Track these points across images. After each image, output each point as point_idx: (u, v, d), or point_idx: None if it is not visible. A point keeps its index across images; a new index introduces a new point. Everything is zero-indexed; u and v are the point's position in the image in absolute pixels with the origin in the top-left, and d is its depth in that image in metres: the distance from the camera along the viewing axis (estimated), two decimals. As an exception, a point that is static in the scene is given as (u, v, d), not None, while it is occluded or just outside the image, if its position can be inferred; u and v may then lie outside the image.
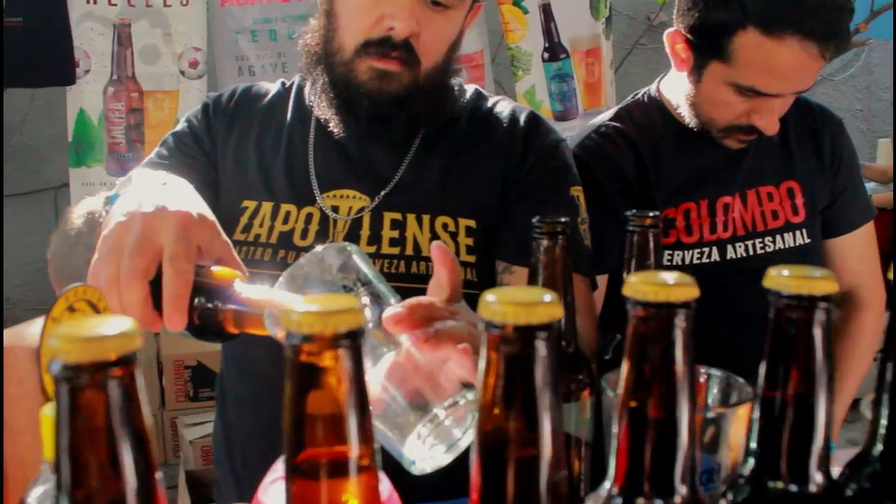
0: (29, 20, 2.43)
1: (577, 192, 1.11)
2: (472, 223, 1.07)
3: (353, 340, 0.40)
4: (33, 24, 2.43)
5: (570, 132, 1.56)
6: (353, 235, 1.05)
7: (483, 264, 1.06)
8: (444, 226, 1.06)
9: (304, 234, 1.06)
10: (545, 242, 0.76)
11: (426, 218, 1.06)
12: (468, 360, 0.63)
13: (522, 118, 1.13)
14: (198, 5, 2.57)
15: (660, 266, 0.77)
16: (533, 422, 0.40)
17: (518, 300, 0.40)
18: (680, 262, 1.31)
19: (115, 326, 0.36)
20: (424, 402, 0.62)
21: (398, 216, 1.06)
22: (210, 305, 0.72)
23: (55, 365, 0.35)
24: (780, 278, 0.48)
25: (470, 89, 1.18)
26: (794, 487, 0.50)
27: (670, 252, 1.31)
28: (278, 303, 0.66)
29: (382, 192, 1.07)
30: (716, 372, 0.71)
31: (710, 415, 0.65)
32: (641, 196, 1.30)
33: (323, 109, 1.07)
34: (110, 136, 2.61)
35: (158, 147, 1.14)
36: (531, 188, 1.09)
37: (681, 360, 0.45)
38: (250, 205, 1.09)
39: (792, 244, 1.35)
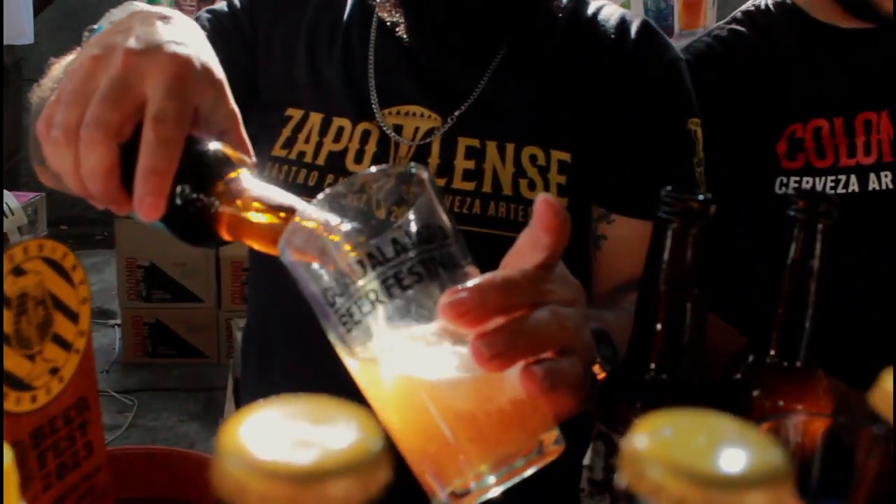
0: None
1: (694, 125, 0.91)
2: (566, 157, 0.87)
3: None
4: None
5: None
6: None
7: (577, 209, 0.87)
8: (532, 158, 0.87)
9: (359, 157, 0.88)
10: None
11: (510, 147, 0.87)
12: (533, 383, 0.44)
13: (634, 28, 0.92)
14: None
15: (826, 272, 0.52)
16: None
17: None
18: None
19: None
20: (495, 444, 0.44)
21: (475, 143, 0.87)
22: (198, 197, 0.53)
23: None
24: None
25: None
26: None
27: (797, 179, 1.07)
28: (302, 215, 0.46)
29: (457, 112, 0.87)
30: None
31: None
32: (757, 113, 1.07)
33: (388, 11, 0.88)
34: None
35: None
36: (641, 116, 0.89)
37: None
38: (296, 114, 0.91)
39: None
